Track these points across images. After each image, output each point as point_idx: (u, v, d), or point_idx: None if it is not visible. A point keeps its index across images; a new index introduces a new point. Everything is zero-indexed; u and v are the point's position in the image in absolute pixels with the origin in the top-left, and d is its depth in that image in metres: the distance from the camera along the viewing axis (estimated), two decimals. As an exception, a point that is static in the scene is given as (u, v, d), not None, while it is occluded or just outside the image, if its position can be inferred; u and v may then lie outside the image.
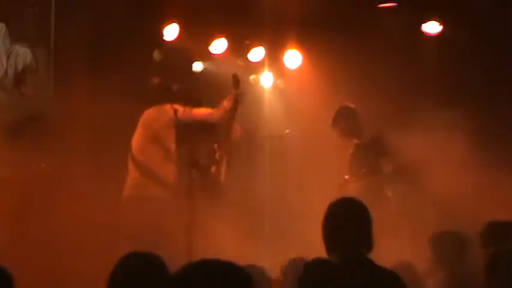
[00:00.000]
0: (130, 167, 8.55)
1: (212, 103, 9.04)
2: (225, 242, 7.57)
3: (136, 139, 8.57)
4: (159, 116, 8.44)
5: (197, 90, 9.41)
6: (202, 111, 8.65)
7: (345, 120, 9.11)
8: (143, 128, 8.52)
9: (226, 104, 8.59)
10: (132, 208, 8.26)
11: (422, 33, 9.95)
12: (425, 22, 9.96)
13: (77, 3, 9.21)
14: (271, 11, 10.20)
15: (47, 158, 8.42)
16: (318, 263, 5.02)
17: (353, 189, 8.70)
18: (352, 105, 9.23)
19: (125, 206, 8.38)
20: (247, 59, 10.59)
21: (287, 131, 10.21)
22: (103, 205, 7.93)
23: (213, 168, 8.64)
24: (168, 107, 8.38)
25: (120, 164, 8.64)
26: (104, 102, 8.53)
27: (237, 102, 8.52)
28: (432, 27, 9.95)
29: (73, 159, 8.42)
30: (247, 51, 10.57)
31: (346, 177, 8.92)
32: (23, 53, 8.96)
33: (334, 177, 9.11)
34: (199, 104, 8.78)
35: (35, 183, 8.13)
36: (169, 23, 9.75)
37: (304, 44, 10.53)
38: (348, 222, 4.98)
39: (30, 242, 7.70)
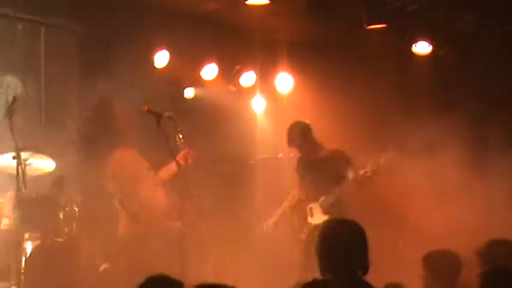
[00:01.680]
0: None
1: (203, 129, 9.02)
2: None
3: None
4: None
5: (188, 117, 9.37)
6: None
7: (301, 137, 8.98)
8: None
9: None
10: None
11: (413, 53, 9.96)
12: (415, 42, 9.97)
13: (66, 34, 9.22)
14: (261, 35, 10.23)
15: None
16: (314, 284, 4.98)
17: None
18: (307, 121, 9.09)
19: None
20: (238, 83, 10.60)
21: (280, 155, 10.18)
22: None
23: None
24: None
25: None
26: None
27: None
28: (422, 48, 9.96)
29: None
30: (239, 76, 10.58)
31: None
32: (14, 84, 8.96)
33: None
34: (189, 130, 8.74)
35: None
36: (159, 50, 9.76)
37: (296, 67, 10.55)
38: (343, 243, 4.94)
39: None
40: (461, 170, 9.05)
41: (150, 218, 8.35)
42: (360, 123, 9.59)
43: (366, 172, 8.66)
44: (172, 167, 8.25)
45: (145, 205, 8.36)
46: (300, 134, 8.94)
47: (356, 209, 8.60)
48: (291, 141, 9.01)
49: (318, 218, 8.80)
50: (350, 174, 8.72)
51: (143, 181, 8.43)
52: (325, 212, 8.78)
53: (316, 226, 8.67)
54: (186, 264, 7.20)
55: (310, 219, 8.86)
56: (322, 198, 8.83)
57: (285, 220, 9.12)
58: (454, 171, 9.07)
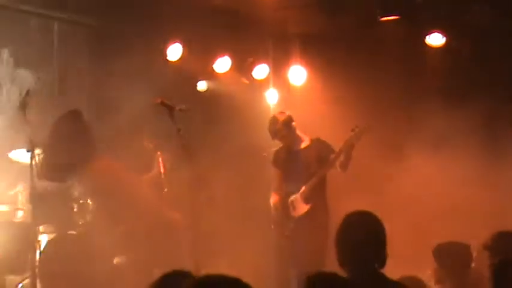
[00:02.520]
0: None
1: (216, 121, 9.03)
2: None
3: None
4: None
5: (201, 110, 9.39)
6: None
7: (284, 129, 8.95)
8: None
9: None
10: None
11: (426, 45, 9.92)
12: (428, 34, 9.93)
13: (79, 27, 9.25)
14: (274, 27, 10.23)
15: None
16: (321, 276, 4.97)
17: None
18: (287, 112, 9.08)
19: None
20: (251, 76, 10.60)
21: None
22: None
23: None
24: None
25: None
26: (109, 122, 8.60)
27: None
28: (435, 39, 9.92)
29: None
30: (251, 68, 10.58)
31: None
32: (27, 78, 9.00)
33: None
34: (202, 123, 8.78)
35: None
36: (172, 43, 9.78)
37: (308, 59, 10.53)
38: (363, 236, 4.94)
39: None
40: (473, 162, 9.03)
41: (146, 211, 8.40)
42: (372, 116, 9.55)
43: (337, 153, 8.72)
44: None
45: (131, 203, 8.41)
46: (283, 125, 8.94)
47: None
48: (274, 133, 9.00)
49: (300, 208, 8.83)
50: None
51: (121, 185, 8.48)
52: (306, 202, 8.81)
53: (300, 217, 8.75)
54: (195, 257, 7.20)
55: (293, 213, 8.86)
56: (302, 189, 8.85)
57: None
58: (465, 163, 9.05)
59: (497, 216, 8.48)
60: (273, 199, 9.05)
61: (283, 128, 8.95)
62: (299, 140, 9.05)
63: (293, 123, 8.99)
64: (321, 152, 8.91)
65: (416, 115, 9.56)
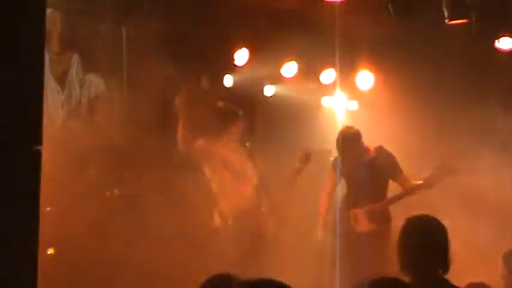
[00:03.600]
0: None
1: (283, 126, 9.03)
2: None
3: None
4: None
5: (268, 114, 9.41)
6: None
7: (353, 145, 8.75)
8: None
9: None
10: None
11: (496, 49, 9.77)
12: (498, 38, 9.79)
13: (148, 33, 9.34)
14: (341, 32, 10.18)
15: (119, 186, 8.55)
16: (384, 281, 4.91)
17: None
18: (356, 128, 8.88)
19: None
20: (318, 81, 10.59)
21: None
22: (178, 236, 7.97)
23: None
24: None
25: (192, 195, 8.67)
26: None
27: None
28: (506, 43, 9.77)
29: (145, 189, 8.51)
30: (319, 73, 10.56)
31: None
32: (96, 82, 9.13)
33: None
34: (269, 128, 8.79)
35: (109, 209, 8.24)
36: (240, 48, 9.83)
37: (376, 64, 10.47)
38: (427, 241, 4.89)
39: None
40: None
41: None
42: (436, 124, 9.47)
43: (420, 185, 8.55)
44: None
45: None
46: (351, 141, 8.75)
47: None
48: (341, 149, 8.80)
49: (363, 225, 8.68)
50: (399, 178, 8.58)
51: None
52: (370, 221, 8.67)
53: (359, 233, 8.61)
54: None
55: (354, 225, 8.72)
56: (367, 208, 8.70)
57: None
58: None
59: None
60: (324, 205, 8.94)
61: (351, 144, 8.79)
62: (366, 152, 8.87)
63: (361, 139, 8.82)
64: (384, 165, 8.73)
65: (484, 119, 9.43)
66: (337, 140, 8.85)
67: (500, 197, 9.28)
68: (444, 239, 4.91)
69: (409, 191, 8.64)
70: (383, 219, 8.70)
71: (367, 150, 8.85)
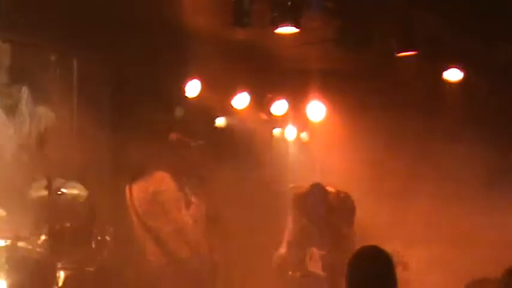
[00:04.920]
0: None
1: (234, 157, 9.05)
2: None
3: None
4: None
5: (219, 145, 9.41)
6: None
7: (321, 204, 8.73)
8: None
9: None
10: None
11: (444, 80, 9.92)
12: (446, 69, 9.94)
13: (98, 64, 9.32)
14: (292, 64, 10.26)
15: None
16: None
17: None
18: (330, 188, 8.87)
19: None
20: (270, 112, 10.62)
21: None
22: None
23: None
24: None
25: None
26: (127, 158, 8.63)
27: None
28: (453, 75, 9.92)
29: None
30: (270, 104, 10.60)
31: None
32: (46, 115, 9.06)
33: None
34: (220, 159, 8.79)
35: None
36: (191, 79, 9.83)
37: (327, 95, 10.55)
38: (373, 270, 4.93)
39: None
40: (489, 197, 9.01)
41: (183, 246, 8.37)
42: (388, 149, 9.57)
43: None
44: None
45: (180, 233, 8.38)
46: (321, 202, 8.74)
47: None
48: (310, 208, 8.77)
49: (315, 266, 8.68)
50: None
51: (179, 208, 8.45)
52: (323, 267, 8.66)
53: (310, 273, 8.60)
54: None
55: (308, 262, 8.71)
56: (323, 253, 8.68)
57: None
58: (482, 197, 9.03)
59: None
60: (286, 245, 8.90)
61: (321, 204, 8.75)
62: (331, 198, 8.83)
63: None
64: (343, 213, 8.67)
65: (433, 151, 9.58)
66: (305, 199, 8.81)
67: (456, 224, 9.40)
68: (390, 268, 4.97)
69: None
70: (336, 269, 8.56)
71: (332, 195, 8.81)
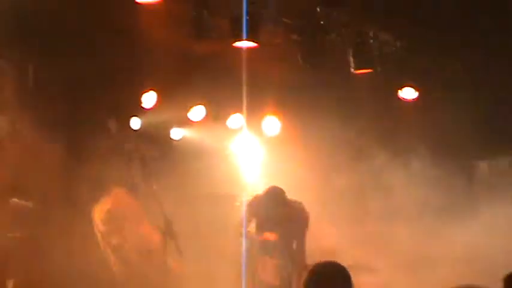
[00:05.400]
0: None
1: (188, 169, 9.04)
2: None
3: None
4: None
5: (173, 158, 9.39)
6: None
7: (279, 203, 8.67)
8: None
9: None
10: None
11: (399, 98, 10.04)
12: (401, 88, 10.07)
13: (51, 75, 9.22)
14: (249, 78, 10.27)
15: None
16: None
17: None
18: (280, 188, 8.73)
19: None
20: (226, 125, 10.63)
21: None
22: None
23: None
24: None
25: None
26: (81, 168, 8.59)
27: None
28: (408, 93, 10.05)
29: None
30: (226, 118, 10.61)
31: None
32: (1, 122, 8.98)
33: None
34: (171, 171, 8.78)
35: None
36: (147, 91, 9.81)
37: (282, 110, 10.59)
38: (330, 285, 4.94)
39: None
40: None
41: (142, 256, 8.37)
42: (344, 164, 9.65)
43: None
44: None
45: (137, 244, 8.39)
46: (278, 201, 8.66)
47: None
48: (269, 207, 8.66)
49: (268, 276, 8.65)
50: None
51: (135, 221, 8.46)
52: (276, 276, 8.65)
53: (267, 284, 8.59)
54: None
55: (262, 274, 8.69)
56: (277, 261, 8.66)
57: None
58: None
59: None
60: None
61: (279, 204, 8.65)
62: (286, 205, 8.72)
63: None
64: (298, 222, 8.64)
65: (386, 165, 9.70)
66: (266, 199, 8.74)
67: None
68: (348, 285, 4.97)
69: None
70: (288, 279, 8.62)
71: (288, 203, 8.73)
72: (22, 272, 8.26)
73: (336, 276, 5.01)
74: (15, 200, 8.04)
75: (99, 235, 8.49)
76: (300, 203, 8.73)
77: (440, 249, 9.24)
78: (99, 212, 8.40)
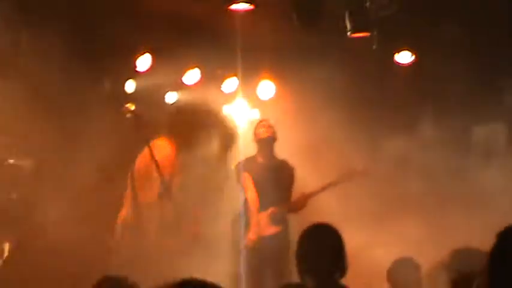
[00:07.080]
0: None
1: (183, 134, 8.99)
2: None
3: None
4: None
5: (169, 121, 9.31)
6: None
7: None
8: None
9: None
10: None
11: (395, 63, 10.02)
12: (398, 52, 10.03)
13: (50, 33, 9.14)
14: (244, 41, 10.21)
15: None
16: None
17: None
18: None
19: None
20: (220, 89, 10.58)
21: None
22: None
23: None
24: None
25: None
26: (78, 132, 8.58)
27: None
28: (404, 57, 10.02)
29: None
30: (221, 81, 10.56)
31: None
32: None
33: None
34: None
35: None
36: (142, 54, 9.74)
37: (278, 74, 10.55)
38: (322, 246, 5.01)
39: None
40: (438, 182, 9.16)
41: None
42: (338, 133, 9.63)
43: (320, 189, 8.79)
44: None
45: None
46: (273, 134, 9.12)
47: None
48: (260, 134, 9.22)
49: (266, 229, 8.82)
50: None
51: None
52: (275, 224, 8.83)
53: (263, 238, 8.74)
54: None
55: (258, 229, 8.81)
56: (272, 210, 8.87)
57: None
58: (430, 183, 9.18)
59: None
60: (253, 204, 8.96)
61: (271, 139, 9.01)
62: (273, 157, 9.15)
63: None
64: (287, 174, 9.14)
65: (381, 133, 9.69)
66: (259, 126, 9.27)
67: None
68: (340, 245, 5.06)
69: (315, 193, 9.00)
70: (283, 222, 8.94)
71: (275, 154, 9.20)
72: (18, 236, 8.25)
73: (330, 233, 5.09)
74: (10, 161, 8.01)
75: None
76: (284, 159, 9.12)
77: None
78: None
